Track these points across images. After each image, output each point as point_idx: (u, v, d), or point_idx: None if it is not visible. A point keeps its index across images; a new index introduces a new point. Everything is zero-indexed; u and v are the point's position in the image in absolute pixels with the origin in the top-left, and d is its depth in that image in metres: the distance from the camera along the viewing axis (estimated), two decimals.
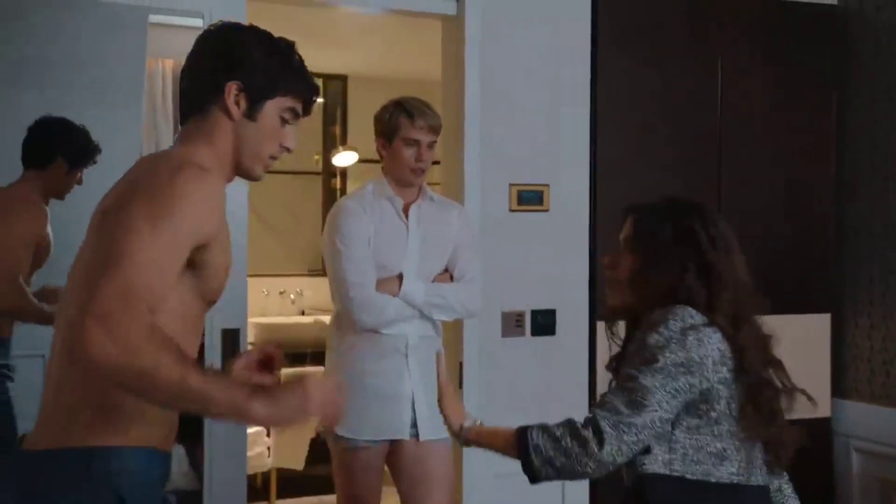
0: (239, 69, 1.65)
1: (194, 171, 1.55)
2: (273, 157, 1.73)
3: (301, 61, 1.72)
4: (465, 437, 1.88)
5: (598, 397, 1.91)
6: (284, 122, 1.71)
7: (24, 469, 1.54)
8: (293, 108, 1.71)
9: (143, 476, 1.52)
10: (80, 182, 2.83)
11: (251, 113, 1.67)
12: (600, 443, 1.65)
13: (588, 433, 1.67)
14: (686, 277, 1.76)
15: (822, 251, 3.72)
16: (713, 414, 1.71)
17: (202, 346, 2.73)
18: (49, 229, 2.75)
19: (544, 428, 1.73)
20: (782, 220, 3.66)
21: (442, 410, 1.92)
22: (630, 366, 1.72)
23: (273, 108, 1.68)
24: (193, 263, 1.57)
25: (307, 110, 1.75)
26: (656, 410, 1.66)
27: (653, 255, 1.81)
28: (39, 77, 2.90)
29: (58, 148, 2.83)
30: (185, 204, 1.50)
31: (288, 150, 1.74)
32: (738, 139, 3.59)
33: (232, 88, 1.64)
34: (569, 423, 1.71)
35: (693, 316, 1.72)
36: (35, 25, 2.86)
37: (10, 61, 2.85)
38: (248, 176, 1.74)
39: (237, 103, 1.65)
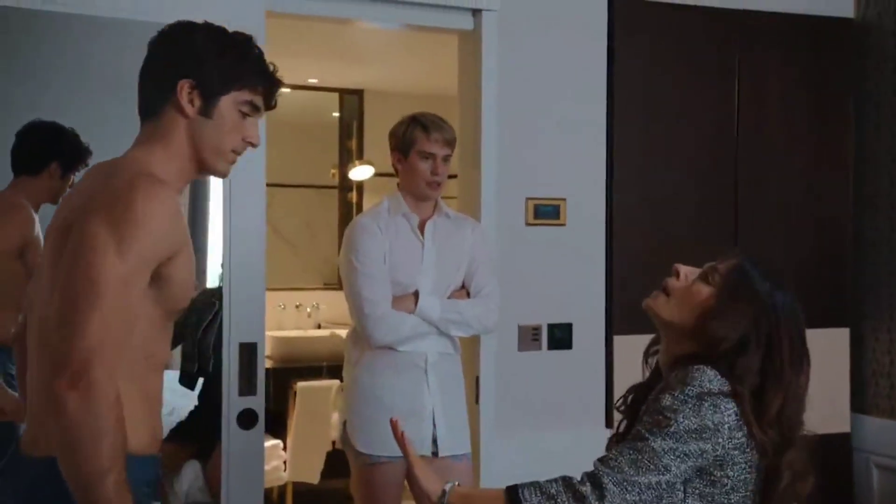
0: (190, 67, 1.65)
1: (149, 186, 1.55)
2: (235, 152, 1.72)
3: (258, 54, 1.71)
4: (448, 503, 1.77)
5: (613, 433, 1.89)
6: (244, 115, 1.70)
7: (23, 474, 1.59)
8: (251, 102, 1.70)
9: (133, 483, 1.53)
10: (72, 186, 2.78)
11: (206, 109, 1.66)
12: (600, 498, 1.60)
13: (586, 489, 1.61)
14: (742, 359, 1.67)
15: (840, 265, 3.70)
16: (727, 481, 1.66)
17: (219, 361, 2.74)
18: (39, 234, 2.72)
19: (537, 485, 1.65)
20: (800, 233, 3.64)
21: (417, 481, 1.79)
22: (642, 425, 1.67)
23: (229, 102, 1.68)
24: (154, 277, 1.58)
25: (269, 103, 1.74)
26: (663, 474, 1.61)
27: (730, 306, 1.71)
28: (62, 94, 2.90)
29: (51, 153, 2.79)
30: (145, 224, 1.51)
31: (252, 144, 1.73)
32: (756, 152, 3.58)
33: (184, 87, 1.64)
34: (564, 480, 1.65)
35: (712, 381, 1.65)
36: (58, 44, 2.87)
37: (35, 79, 2.86)
38: (213, 172, 1.73)
39: (191, 101, 1.65)
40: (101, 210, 1.52)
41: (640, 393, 1.85)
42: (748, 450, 1.67)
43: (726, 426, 1.64)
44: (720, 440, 1.64)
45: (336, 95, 6.09)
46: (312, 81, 5.88)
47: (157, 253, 1.55)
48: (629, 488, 1.60)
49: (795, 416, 1.71)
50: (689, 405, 1.63)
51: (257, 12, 2.72)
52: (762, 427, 1.66)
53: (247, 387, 2.70)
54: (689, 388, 1.64)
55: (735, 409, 1.65)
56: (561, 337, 3.30)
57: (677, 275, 1.79)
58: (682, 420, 1.62)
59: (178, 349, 3.37)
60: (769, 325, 1.69)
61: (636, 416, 1.78)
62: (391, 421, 1.84)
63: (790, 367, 1.69)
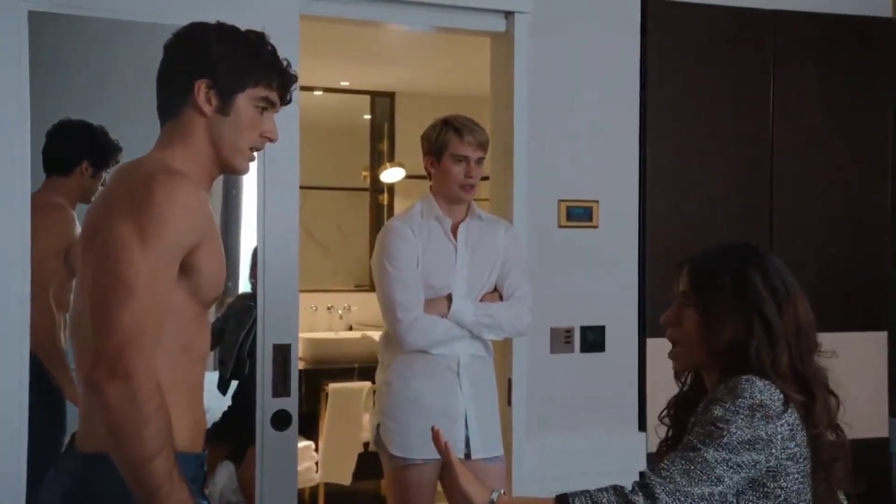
0: (205, 67, 1.68)
1: (166, 180, 1.58)
2: (253, 148, 1.76)
3: (271, 50, 1.74)
4: None
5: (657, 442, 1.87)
6: (261, 111, 1.73)
7: (75, 468, 1.64)
8: (267, 97, 1.73)
9: None
10: (103, 184, 2.80)
11: (223, 108, 1.70)
12: None
13: (639, 498, 1.60)
14: (753, 334, 1.70)
15: (879, 268, 3.65)
16: (780, 493, 1.65)
17: (253, 363, 2.75)
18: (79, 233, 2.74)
19: (588, 494, 1.64)
20: (837, 236, 3.60)
21: (461, 488, 1.75)
22: (693, 435, 1.66)
23: (245, 99, 1.71)
24: (183, 268, 1.61)
25: (285, 98, 1.77)
26: (716, 485, 1.60)
27: (714, 309, 1.74)
28: (95, 99, 2.92)
29: (83, 151, 2.80)
30: (166, 217, 1.55)
31: (270, 139, 1.77)
32: (792, 154, 3.54)
33: (201, 86, 1.68)
34: (615, 489, 1.64)
35: (762, 391, 1.65)
36: (90, 50, 2.89)
37: (67, 85, 2.88)
38: (232, 169, 1.76)
39: (208, 100, 1.69)
40: (123, 208, 1.56)
41: (683, 402, 1.84)
42: (801, 460, 1.66)
43: (779, 437, 1.63)
44: (773, 451, 1.63)
45: (367, 98, 6.11)
46: (344, 84, 5.91)
47: (182, 243, 1.58)
48: (682, 499, 1.59)
49: (801, 356, 1.71)
50: (742, 416, 1.62)
51: (292, 16, 2.73)
52: (780, 385, 1.67)
53: (281, 388, 2.72)
54: (740, 399, 1.64)
55: (788, 418, 1.65)
56: (594, 339, 3.29)
57: (666, 324, 1.83)
58: (734, 431, 1.61)
59: (214, 354, 3.39)
60: (743, 287, 1.72)
61: (683, 427, 1.77)
62: (433, 429, 1.83)
63: (773, 306, 1.71)
